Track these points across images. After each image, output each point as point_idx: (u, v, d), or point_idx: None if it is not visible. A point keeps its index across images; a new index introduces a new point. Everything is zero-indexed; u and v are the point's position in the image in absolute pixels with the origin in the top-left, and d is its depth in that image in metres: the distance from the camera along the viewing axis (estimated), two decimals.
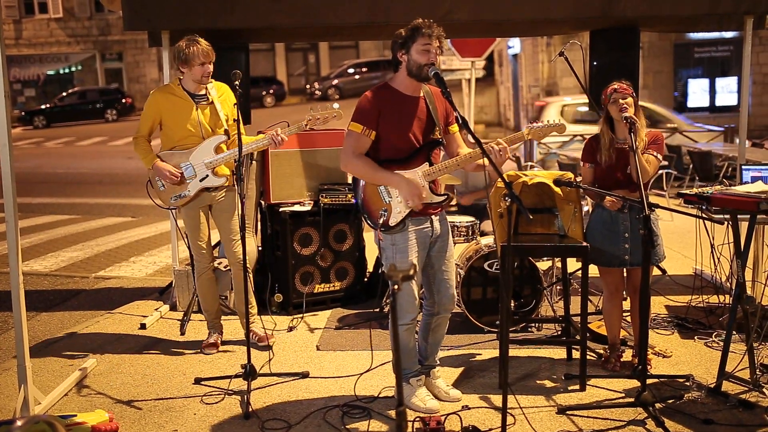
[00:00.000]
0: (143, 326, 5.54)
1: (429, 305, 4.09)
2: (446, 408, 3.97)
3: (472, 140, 3.70)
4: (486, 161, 3.57)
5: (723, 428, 3.69)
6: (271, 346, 4.96)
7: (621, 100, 4.24)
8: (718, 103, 21.69)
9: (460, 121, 3.73)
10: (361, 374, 4.42)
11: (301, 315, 5.67)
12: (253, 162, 5.79)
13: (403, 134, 3.85)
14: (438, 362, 4.23)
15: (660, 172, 9.86)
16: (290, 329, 5.40)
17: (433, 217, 3.95)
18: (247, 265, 4.99)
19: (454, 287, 4.07)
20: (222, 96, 4.84)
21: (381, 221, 3.89)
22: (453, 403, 4.04)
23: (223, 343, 5.11)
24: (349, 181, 6.12)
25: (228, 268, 5.84)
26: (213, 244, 6.12)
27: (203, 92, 4.79)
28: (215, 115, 4.78)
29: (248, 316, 4.57)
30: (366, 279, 6.17)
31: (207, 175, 4.77)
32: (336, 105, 4.90)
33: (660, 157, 4.33)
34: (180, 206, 4.88)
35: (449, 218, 4.30)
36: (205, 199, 4.88)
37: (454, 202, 6.49)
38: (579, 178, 4.60)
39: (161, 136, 4.87)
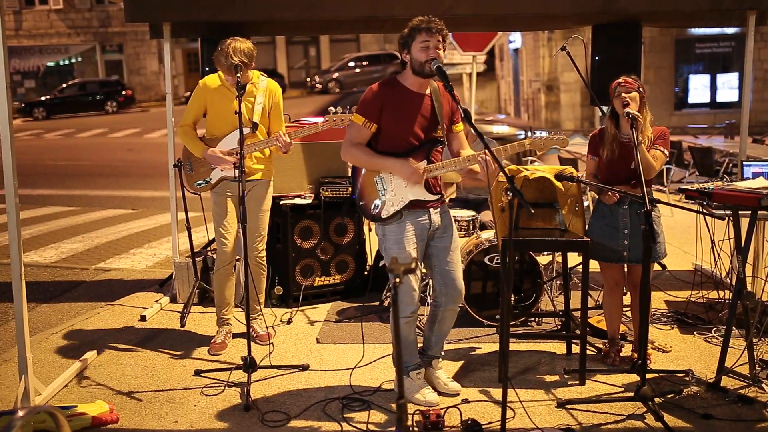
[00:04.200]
0: (143, 318, 5.55)
1: (436, 296, 4.09)
2: (446, 401, 3.98)
3: (474, 133, 3.70)
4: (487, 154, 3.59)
5: (722, 423, 3.70)
6: (271, 343, 4.94)
7: (624, 94, 4.23)
8: (719, 99, 21.70)
9: (463, 115, 3.76)
10: (353, 368, 4.43)
11: (297, 308, 5.67)
12: None
13: (404, 130, 3.85)
14: (442, 354, 4.23)
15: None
16: (289, 322, 5.40)
17: (431, 210, 3.95)
18: (264, 262, 5.02)
19: (461, 279, 4.04)
20: (269, 91, 4.83)
21: (374, 212, 3.91)
22: (453, 397, 4.04)
23: None
24: (350, 173, 6.12)
25: None
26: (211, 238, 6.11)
27: (248, 84, 4.76)
28: (252, 107, 4.77)
29: (248, 310, 4.51)
30: (366, 272, 6.17)
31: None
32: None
33: (666, 152, 4.31)
34: (203, 192, 4.96)
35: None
36: (232, 188, 4.82)
37: (453, 196, 6.49)
38: (581, 173, 4.59)
39: (206, 125, 4.91)
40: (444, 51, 3.82)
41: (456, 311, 4.12)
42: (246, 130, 4.66)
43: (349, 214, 5.96)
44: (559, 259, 5.42)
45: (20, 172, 3.94)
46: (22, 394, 3.87)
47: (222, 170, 4.79)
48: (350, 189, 5.82)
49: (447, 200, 4.30)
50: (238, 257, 5.22)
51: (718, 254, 5.04)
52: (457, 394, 4.07)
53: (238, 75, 4.46)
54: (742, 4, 5.57)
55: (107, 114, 31.26)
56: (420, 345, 4.21)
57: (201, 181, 4.93)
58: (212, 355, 4.81)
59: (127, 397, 4.16)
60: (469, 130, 4.74)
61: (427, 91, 3.91)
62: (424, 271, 4.30)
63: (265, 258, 5.01)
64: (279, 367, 4.50)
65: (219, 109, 4.79)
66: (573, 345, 4.70)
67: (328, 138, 6.00)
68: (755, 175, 5.12)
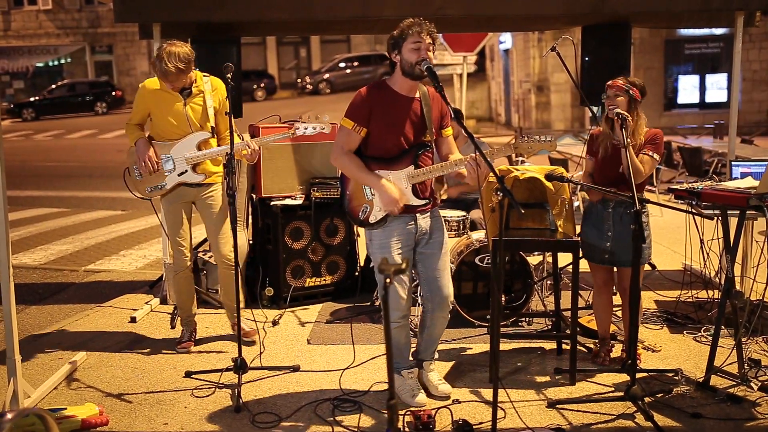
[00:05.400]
0: (133, 320, 5.53)
1: (424, 303, 4.09)
2: (437, 402, 3.98)
3: (465, 134, 3.70)
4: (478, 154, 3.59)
5: (711, 422, 3.72)
6: (255, 342, 4.93)
7: (607, 101, 4.23)
8: (708, 99, 21.82)
9: (453, 115, 3.76)
10: (344, 369, 4.43)
11: (288, 308, 5.66)
12: None
13: (393, 134, 3.84)
14: (436, 356, 4.22)
15: None
16: (274, 323, 5.38)
17: (417, 215, 3.92)
18: (238, 260, 4.97)
19: (447, 287, 4.01)
20: (214, 90, 4.74)
21: (361, 217, 3.90)
22: (443, 398, 4.04)
23: (214, 338, 5.11)
24: (339, 176, 6.12)
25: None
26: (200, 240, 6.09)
27: (192, 86, 4.67)
28: (205, 110, 4.68)
29: (239, 312, 4.50)
30: (357, 273, 6.17)
31: (186, 170, 4.69)
32: (326, 117, 4.82)
33: (657, 157, 4.25)
34: (156, 197, 4.83)
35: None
36: (188, 194, 4.79)
37: (444, 197, 6.49)
38: (570, 174, 4.60)
39: (150, 127, 4.82)
40: (434, 53, 3.82)
41: (446, 317, 4.08)
42: (206, 135, 4.66)
43: (340, 215, 5.95)
44: (550, 259, 5.43)
45: (9, 173, 3.93)
46: (11, 397, 3.85)
47: (179, 175, 4.69)
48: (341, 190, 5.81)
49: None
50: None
51: (707, 254, 5.07)
52: (448, 397, 4.06)
53: (229, 81, 4.33)
54: (731, 4, 5.60)
55: (97, 115, 31.15)
56: (413, 348, 4.20)
57: (153, 187, 4.78)
58: (178, 352, 4.84)
59: (117, 399, 4.14)
60: (459, 131, 4.72)
61: (417, 95, 3.89)
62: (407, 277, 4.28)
63: (233, 258, 4.99)
64: (270, 369, 4.49)
65: (162, 113, 4.68)
66: (563, 345, 4.71)
67: (319, 138, 5.99)
68: (743, 175, 5.15)
